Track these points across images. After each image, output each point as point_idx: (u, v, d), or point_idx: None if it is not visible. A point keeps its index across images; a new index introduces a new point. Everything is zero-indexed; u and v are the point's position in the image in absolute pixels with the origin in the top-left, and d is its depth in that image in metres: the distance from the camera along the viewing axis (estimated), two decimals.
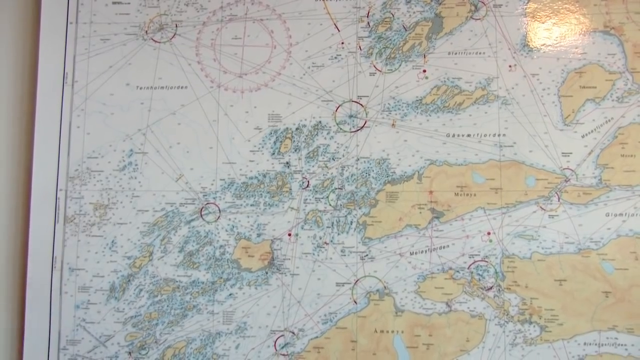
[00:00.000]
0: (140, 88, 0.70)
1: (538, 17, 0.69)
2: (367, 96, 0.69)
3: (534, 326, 0.65)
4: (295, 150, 0.68)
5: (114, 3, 0.71)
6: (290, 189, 0.68)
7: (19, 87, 0.71)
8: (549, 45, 0.68)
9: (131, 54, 0.70)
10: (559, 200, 0.66)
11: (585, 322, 0.65)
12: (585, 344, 0.64)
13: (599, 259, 0.65)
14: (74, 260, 0.69)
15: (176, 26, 0.71)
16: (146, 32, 0.71)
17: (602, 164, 0.66)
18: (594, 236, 0.65)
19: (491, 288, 0.66)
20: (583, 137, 0.67)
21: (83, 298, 0.68)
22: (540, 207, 0.66)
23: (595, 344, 0.64)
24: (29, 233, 0.68)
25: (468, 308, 0.66)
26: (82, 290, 0.68)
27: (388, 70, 0.69)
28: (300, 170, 0.68)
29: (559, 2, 0.68)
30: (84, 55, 0.71)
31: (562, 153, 0.67)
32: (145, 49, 0.70)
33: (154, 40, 0.71)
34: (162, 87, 0.70)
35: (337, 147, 0.68)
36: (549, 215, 0.66)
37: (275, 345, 0.67)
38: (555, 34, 0.68)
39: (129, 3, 0.71)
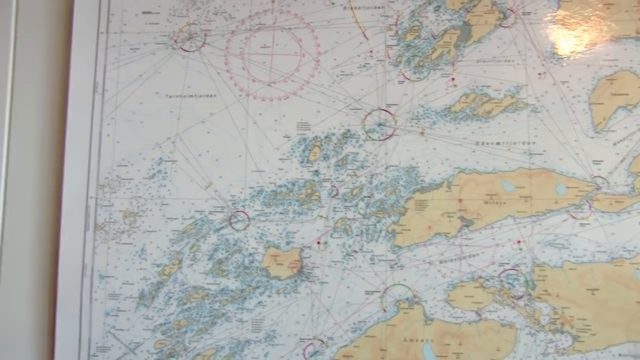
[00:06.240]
0: (170, 97, 0.71)
1: (568, 24, 0.68)
2: (396, 104, 0.69)
3: (566, 336, 0.64)
4: (324, 159, 0.68)
5: (143, 13, 0.72)
6: (319, 197, 0.68)
7: (51, 96, 0.72)
8: (579, 52, 0.68)
9: (160, 63, 0.71)
10: (590, 209, 0.66)
11: (620, 333, 0.64)
12: (620, 355, 0.63)
13: (632, 268, 0.64)
14: (103, 268, 0.69)
15: (205, 35, 0.71)
16: (175, 41, 0.71)
17: (635, 171, 0.65)
18: (627, 245, 0.65)
19: (521, 297, 0.66)
20: (615, 144, 0.66)
21: (113, 305, 0.69)
22: (571, 215, 0.66)
23: (631, 355, 0.63)
24: (60, 240, 0.69)
25: (498, 317, 0.66)
26: (112, 298, 0.69)
27: (416, 78, 0.69)
28: (329, 179, 0.68)
29: (590, 9, 0.68)
30: (114, 64, 0.71)
31: (593, 161, 0.66)
32: (174, 58, 0.71)
33: (183, 50, 0.71)
34: (191, 96, 0.70)
35: (366, 156, 0.68)
36: (580, 224, 0.66)
37: (304, 353, 0.67)
38: (586, 40, 0.68)
39: (158, 13, 0.72)
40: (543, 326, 0.65)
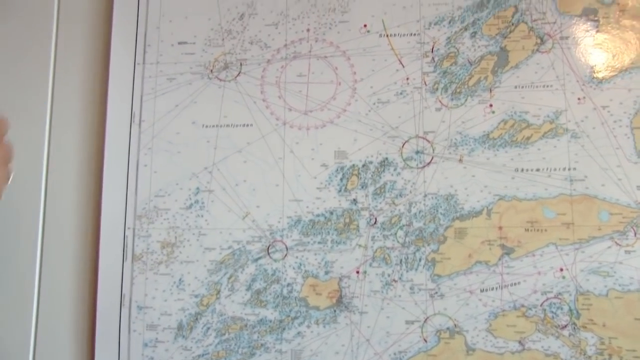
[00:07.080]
0: (206, 126, 0.71)
1: (607, 47, 0.67)
2: (434, 132, 0.68)
3: None
4: (362, 187, 0.68)
5: (179, 43, 0.73)
6: (358, 226, 0.68)
7: (89, 127, 0.72)
8: (620, 76, 0.67)
9: (197, 92, 0.71)
10: (635, 236, 0.64)
11: None
12: None
13: None
14: (142, 298, 0.69)
15: (241, 65, 0.71)
16: (211, 71, 0.72)
17: None
18: None
19: (566, 326, 0.64)
20: None
21: (151, 336, 0.69)
22: (616, 242, 0.65)
23: None
24: (98, 271, 0.69)
25: (542, 347, 0.64)
26: (150, 329, 0.69)
27: (454, 105, 0.68)
28: (368, 207, 0.68)
29: (630, 32, 0.67)
30: (151, 94, 0.72)
31: (637, 186, 0.65)
32: (210, 88, 0.71)
33: (219, 79, 0.71)
34: (228, 125, 0.71)
35: (404, 184, 0.68)
36: (625, 251, 0.64)
37: None
38: (626, 64, 0.67)
39: (194, 43, 0.72)
40: (589, 357, 0.63)
